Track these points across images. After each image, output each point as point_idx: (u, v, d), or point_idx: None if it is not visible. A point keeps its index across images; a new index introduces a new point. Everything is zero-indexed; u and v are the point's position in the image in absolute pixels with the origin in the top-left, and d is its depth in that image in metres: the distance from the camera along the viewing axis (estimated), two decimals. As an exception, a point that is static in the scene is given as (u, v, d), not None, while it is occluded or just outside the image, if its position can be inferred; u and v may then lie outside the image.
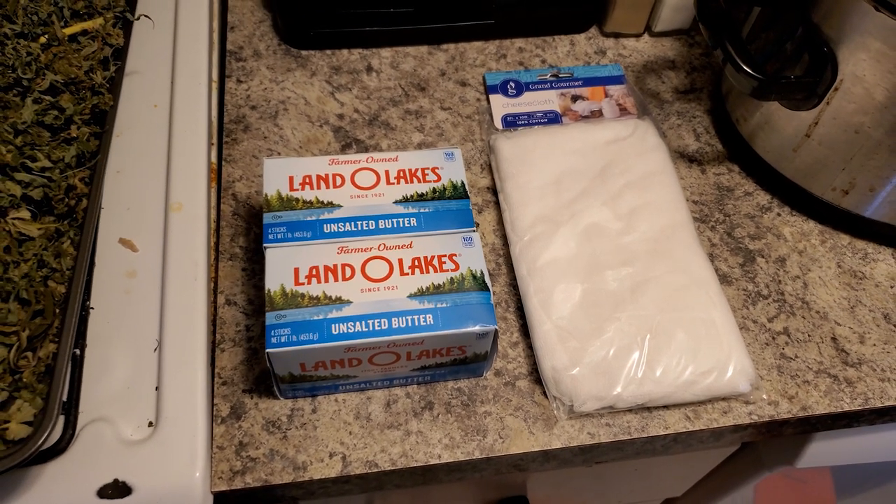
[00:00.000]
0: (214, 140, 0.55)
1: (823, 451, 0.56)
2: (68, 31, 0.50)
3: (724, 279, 0.52)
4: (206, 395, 0.44)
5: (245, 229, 0.53)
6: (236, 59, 0.62)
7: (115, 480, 0.40)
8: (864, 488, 0.92)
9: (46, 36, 0.49)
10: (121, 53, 0.52)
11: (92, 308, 0.46)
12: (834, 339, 0.50)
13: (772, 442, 0.61)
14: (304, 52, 0.63)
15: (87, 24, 0.51)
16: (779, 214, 0.56)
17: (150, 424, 0.43)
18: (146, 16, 0.55)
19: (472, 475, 0.47)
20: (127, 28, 0.53)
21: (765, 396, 0.47)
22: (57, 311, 0.42)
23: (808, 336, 0.50)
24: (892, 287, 0.53)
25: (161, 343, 0.45)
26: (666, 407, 0.47)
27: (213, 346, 0.48)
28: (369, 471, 0.43)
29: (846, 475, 0.83)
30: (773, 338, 0.50)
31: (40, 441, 0.36)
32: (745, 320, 0.50)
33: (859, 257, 0.54)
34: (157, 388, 0.44)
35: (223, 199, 0.54)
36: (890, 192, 0.51)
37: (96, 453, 0.41)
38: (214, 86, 0.59)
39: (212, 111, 0.57)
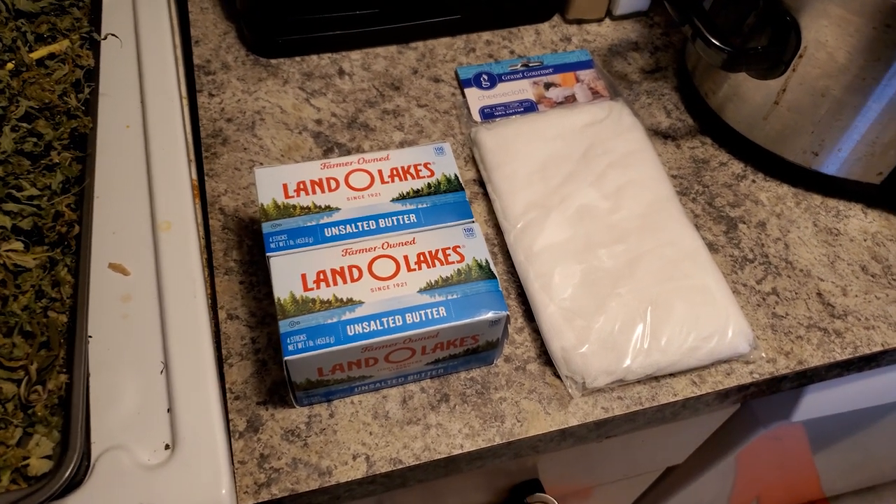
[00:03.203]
0: (192, 156, 0.55)
1: (816, 403, 0.59)
2: (35, 55, 0.49)
3: (710, 247, 0.54)
4: (221, 411, 0.44)
5: (237, 242, 0.52)
6: (205, 73, 0.61)
7: (141, 506, 0.40)
8: (837, 439, 0.97)
9: (13, 62, 0.48)
10: (92, 74, 0.51)
11: (90, 336, 0.45)
12: (819, 294, 0.52)
13: (765, 400, 0.63)
14: (273, 61, 0.62)
15: (54, 48, 0.50)
16: (754, 181, 0.58)
17: (167, 447, 0.42)
18: (113, 34, 0.54)
19: (491, 462, 0.47)
20: (95, 48, 0.52)
21: (763, 355, 0.49)
22: (62, 341, 0.41)
23: (796, 294, 0.52)
24: (865, 240, 0.55)
25: (167, 364, 0.45)
26: (672, 375, 0.48)
27: (221, 362, 0.47)
28: (394, 468, 0.44)
29: (819, 429, 0.87)
30: (764, 299, 0.52)
31: (68, 472, 0.35)
32: (735, 284, 0.52)
33: (832, 215, 0.57)
34: (168, 410, 0.43)
35: (211, 215, 0.53)
36: (855, 149, 0.53)
37: (116, 482, 0.40)
38: (185, 102, 0.58)
39: (186, 127, 0.56)
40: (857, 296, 0.52)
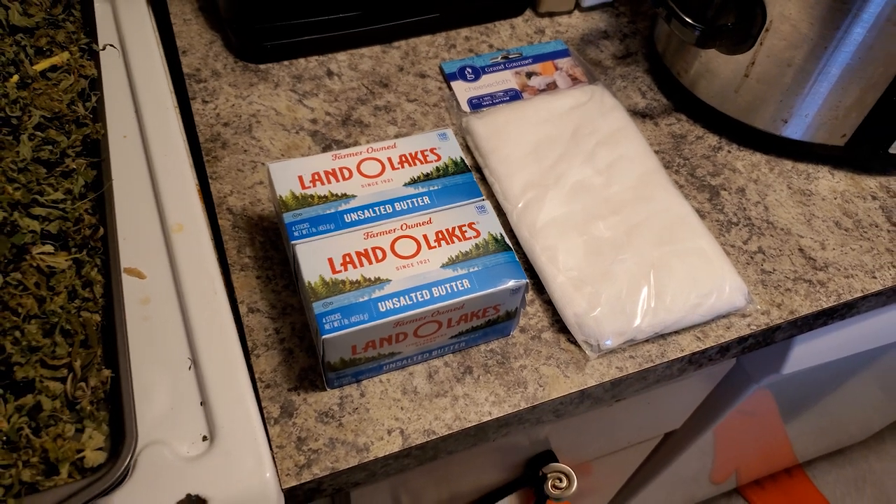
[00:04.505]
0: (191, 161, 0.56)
1: (804, 354, 0.63)
2: (38, 67, 0.50)
3: (698, 213, 0.57)
4: (254, 399, 0.45)
5: (249, 240, 0.53)
6: (196, 81, 0.62)
7: (189, 495, 0.40)
8: (805, 406, 1.02)
9: (18, 75, 0.49)
10: (96, 83, 0.51)
11: (116, 338, 0.46)
12: (801, 249, 0.56)
13: (756, 356, 0.67)
14: (262, 66, 0.64)
15: (55, 60, 0.51)
16: (729, 151, 0.62)
17: (205, 439, 0.43)
18: (111, 45, 0.55)
19: (516, 428, 0.50)
20: (95, 59, 0.53)
21: (758, 307, 0.53)
22: (99, 338, 0.41)
23: (780, 251, 0.56)
24: (835, 199, 0.60)
25: (195, 360, 0.46)
26: (677, 332, 0.51)
27: (248, 354, 0.48)
28: (428, 439, 0.45)
29: (787, 399, 0.91)
30: (752, 257, 0.56)
31: (128, 459, 0.36)
32: (724, 246, 0.56)
33: (803, 178, 0.61)
34: (202, 404, 0.44)
35: (220, 215, 0.54)
36: (820, 114, 0.57)
37: (160, 475, 0.41)
38: (177, 110, 0.59)
39: (183, 133, 0.57)
40: (834, 249, 0.57)
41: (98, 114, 0.50)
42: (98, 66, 0.53)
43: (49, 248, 0.42)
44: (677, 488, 1.18)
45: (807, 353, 0.63)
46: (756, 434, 1.08)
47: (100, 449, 0.38)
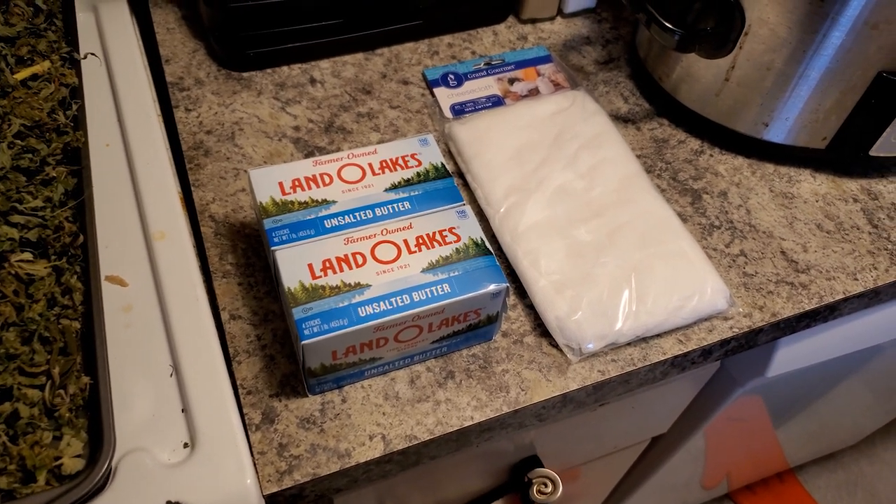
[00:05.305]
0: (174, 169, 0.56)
1: (788, 357, 0.63)
2: (18, 76, 0.50)
3: (680, 217, 0.58)
4: (235, 406, 0.45)
5: (231, 247, 0.53)
6: (179, 90, 0.62)
7: (169, 502, 0.40)
8: (794, 411, 1.02)
9: (-2, 84, 0.49)
10: (77, 92, 0.51)
11: (96, 346, 0.45)
12: (783, 252, 0.57)
13: (740, 359, 0.67)
14: (245, 74, 0.64)
15: (36, 68, 0.51)
16: (711, 155, 0.62)
17: (186, 445, 0.43)
18: (92, 54, 0.55)
19: (499, 433, 0.50)
20: (77, 67, 0.53)
21: (740, 310, 0.53)
22: (78, 345, 0.41)
23: (762, 254, 0.56)
24: (817, 201, 0.60)
25: (177, 367, 0.46)
26: (660, 336, 0.51)
27: (229, 361, 0.48)
28: (409, 444, 0.45)
29: (777, 403, 0.92)
30: (734, 260, 0.56)
31: (105, 466, 0.36)
32: (707, 249, 0.56)
33: (785, 181, 0.61)
34: (183, 411, 0.44)
35: (202, 222, 0.54)
36: (801, 117, 0.58)
37: (140, 482, 0.41)
38: (160, 118, 0.59)
39: (165, 142, 0.57)
40: (816, 251, 0.57)
41: (79, 122, 0.50)
42: (79, 75, 0.53)
43: (28, 255, 0.42)
44: (668, 494, 1.18)
45: (791, 356, 0.63)
46: (746, 439, 1.08)
47: (78, 456, 0.38)
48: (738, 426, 0.95)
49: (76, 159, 0.48)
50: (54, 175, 0.46)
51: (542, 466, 0.62)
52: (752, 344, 0.55)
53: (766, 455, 1.28)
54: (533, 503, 0.62)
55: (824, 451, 1.45)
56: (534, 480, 0.61)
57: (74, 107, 0.50)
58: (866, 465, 1.52)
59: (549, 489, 0.59)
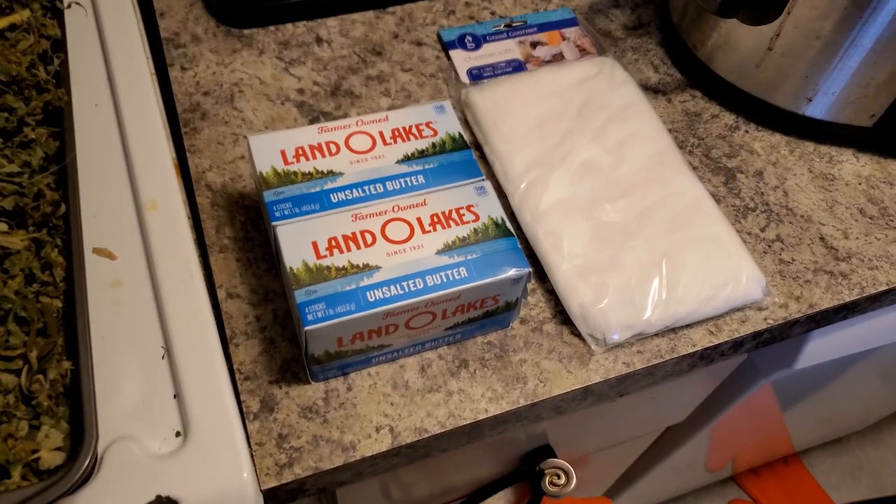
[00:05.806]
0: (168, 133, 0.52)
1: (819, 349, 0.59)
2: (-4, 26, 0.45)
3: (713, 198, 0.54)
4: (232, 392, 0.41)
5: (229, 219, 0.49)
6: (174, 46, 0.58)
7: (158, 497, 0.37)
8: (804, 398, 0.99)
9: (-27, 34, 0.44)
10: (60, 45, 0.47)
11: (82, 324, 0.42)
12: (822, 238, 0.53)
13: (767, 351, 0.63)
14: (246, 31, 0.59)
15: (14, 18, 0.46)
16: (747, 131, 0.58)
17: (178, 434, 0.40)
18: (77, 2, 0.50)
19: (514, 426, 0.46)
20: (59, 18, 0.48)
21: (776, 300, 0.49)
22: (59, 326, 0.37)
23: (799, 239, 0.52)
24: (860, 184, 0.56)
25: (169, 348, 0.42)
26: (689, 326, 0.47)
27: (226, 343, 0.44)
28: (419, 438, 0.42)
29: (789, 391, 0.88)
30: (769, 246, 0.52)
31: (87, 461, 0.33)
32: (740, 233, 0.52)
33: (826, 161, 0.57)
34: (175, 396, 0.41)
35: (197, 192, 0.50)
36: (848, 91, 0.53)
37: (127, 474, 0.38)
38: (153, 77, 0.55)
39: (159, 103, 0.53)
40: (858, 238, 0.53)
41: (61, 79, 0.45)
42: (63, 26, 0.48)
43: (3, 226, 0.38)
44: (673, 476, 1.16)
45: (822, 348, 0.60)
46: (755, 424, 1.05)
47: (58, 449, 0.34)
48: (748, 412, 0.92)
49: (58, 120, 0.44)
50: (33, 137, 0.41)
51: (555, 456, 0.59)
52: (785, 336, 0.51)
53: (773, 440, 1.26)
54: (543, 493, 0.59)
55: (831, 436, 1.43)
56: (546, 471, 0.58)
57: (56, 61, 0.46)
58: (871, 449, 1.50)
59: (563, 481, 0.56)
